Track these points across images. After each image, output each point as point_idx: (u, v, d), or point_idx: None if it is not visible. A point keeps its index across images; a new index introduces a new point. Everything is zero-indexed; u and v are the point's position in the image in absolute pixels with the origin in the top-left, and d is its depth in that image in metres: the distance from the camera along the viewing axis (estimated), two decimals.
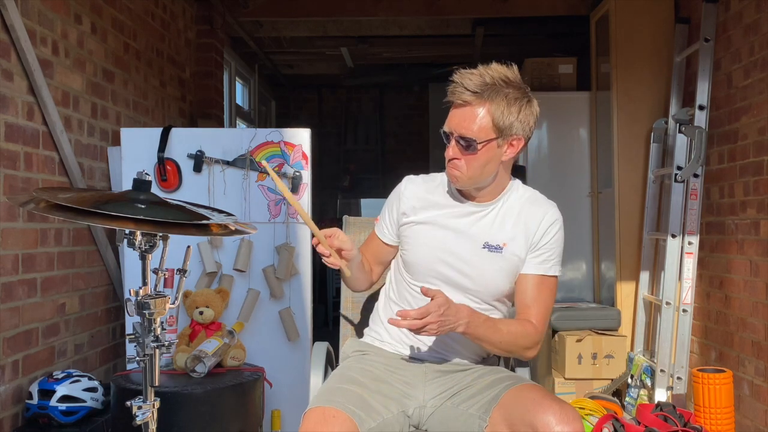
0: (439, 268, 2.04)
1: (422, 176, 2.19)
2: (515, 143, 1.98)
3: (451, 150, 1.98)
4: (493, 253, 2.03)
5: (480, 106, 1.93)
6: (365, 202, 7.89)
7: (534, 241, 2.04)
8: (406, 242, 2.11)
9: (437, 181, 2.15)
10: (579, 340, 4.02)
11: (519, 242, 2.03)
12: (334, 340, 2.43)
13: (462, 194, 2.08)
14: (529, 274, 2.05)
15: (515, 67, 1.99)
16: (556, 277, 2.08)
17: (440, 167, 2.15)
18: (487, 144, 1.94)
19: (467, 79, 1.93)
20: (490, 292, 2.06)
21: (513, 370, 2.22)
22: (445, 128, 2.00)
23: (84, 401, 2.94)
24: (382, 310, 2.18)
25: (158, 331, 1.65)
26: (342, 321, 2.46)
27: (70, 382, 2.93)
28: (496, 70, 1.95)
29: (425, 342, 2.07)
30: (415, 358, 2.08)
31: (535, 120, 1.99)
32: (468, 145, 1.94)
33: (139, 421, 1.67)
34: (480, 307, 2.05)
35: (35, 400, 2.85)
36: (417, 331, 1.81)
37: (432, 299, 1.82)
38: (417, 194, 2.13)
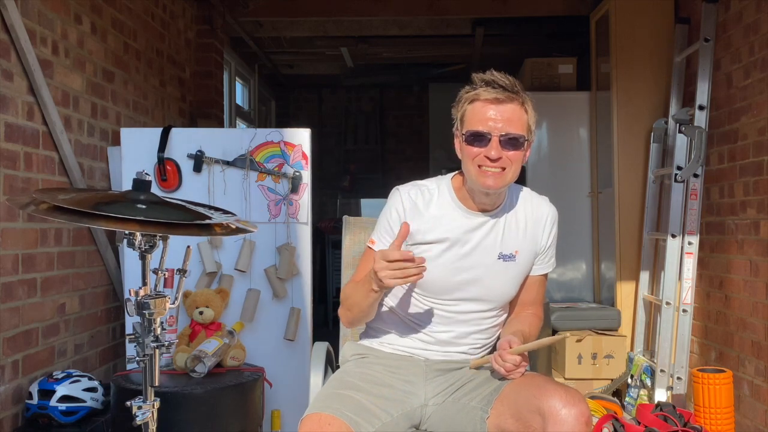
0: (458, 287, 2.02)
1: (417, 188, 2.05)
2: (529, 147, 1.99)
3: (494, 150, 1.89)
4: (507, 262, 2.03)
5: (520, 105, 1.92)
6: (365, 202, 7.89)
7: (542, 245, 2.08)
8: None
9: (435, 192, 2.05)
10: (579, 340, 4.02)
11: (528, 247, 2.06)
12: (334, 340, 2.43)
13: (465, 204, 2.02)
14: (537, 275, 2.11)
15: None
16: None
17: (440, 167, 2.14)
18: (527, 142, 1.94)
19: (500, 79, 1.90)
20: (504, 298, 2.09)
21: None
22: (481, 128, 1.90)
23: (84, 401, 2.93)
24: (381, 316, 2.13)
25: (158, 331, 1.65)
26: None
27: (70, 382, 2.93)
28: (507, 76, 1.93)
29: (425, 341, 2.07)
30: (416, 356, 2.08)
31: None
32: (516, 142, 1.90)
33: (139, 421, 1.67)
34: (491, 313, 2.07)
35: (35, 400, 2.85)
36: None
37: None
38: (419, 210, 2.02)
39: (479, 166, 1.91)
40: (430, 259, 1.97)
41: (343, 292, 2.10)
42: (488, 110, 1.90)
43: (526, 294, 2.12)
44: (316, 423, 1.80)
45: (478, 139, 1.90)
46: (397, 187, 2.08)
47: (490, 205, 2.02)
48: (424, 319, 2.06)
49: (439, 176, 2.12)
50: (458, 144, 1.98)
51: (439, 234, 2.00)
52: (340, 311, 2.10)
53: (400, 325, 2.09)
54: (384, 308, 2.13)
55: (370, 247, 2.06)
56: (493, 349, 2.17)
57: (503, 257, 2.02)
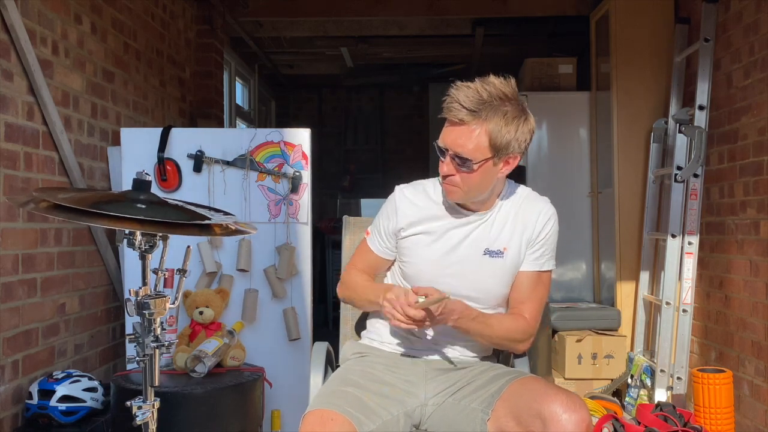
0: (443, 281, 2.01)
1: (414, 186, 2.14)
2: (511, 161, 1.96)
3: (446, 167, 1.94)
4: (494, 258, 2.03)
5: (477, 126, 1.89)
6: (365, 202, 7.89)
7: (531, 239, 2.05)
8: (406, 255, 2.09)
9: (430, 189, 2.11)
10: (579, 340, 4.02)
11: (517, 244, 2.04)
12: (334, 340, 2.43)
13: (458, 204, 2.05)
14: (525, 271, 2.07)
15: (513, 81, 1.93)
16: (550, 271, 2.11)
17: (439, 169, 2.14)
18: (483, 164, 1.92)
19: (463, 95, 1.88)
20: (493, 297, 2.08)
21: (512, 366, 2.22)
22: (440, 143, 1.95)
23: (84, 401, 2.93)
24: (381, 313, 2.17)
25: (158, 331, 1.65)
26: (342, 321, 2.46)
27: (70, 382, 2.93)
28: (493, 85, 1.90)
29: (425, 341, 2.07)
30: (415, 356, 2.08)
31: (531, 136, 1.96)
32: (463, 163, 1.91)
33: (139, 421, 1.67)
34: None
35: (35, 400, 2.85)
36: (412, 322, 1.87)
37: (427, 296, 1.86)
38: (413, 208, 2.08)
39: (443, 177, 1.98)
40: (416, 251, 2.06)
41: (349, 278, 2.19)
42: (449, 128, 1.94)
43: (514, 291, 2.08)
44: (319, 419, 1.80)
45: (438, 152, 1.97)
46: (397, 185, 2.14)
47: (478, 207, 2.04)
48: None
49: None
50: None
51: (425, 227, 2.05)
52: (339, 288, 2.21)
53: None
54: None
55: (366, 238, 2.18)
56: (488, 354, 2.17)
57: (490, 253, 2.02)
